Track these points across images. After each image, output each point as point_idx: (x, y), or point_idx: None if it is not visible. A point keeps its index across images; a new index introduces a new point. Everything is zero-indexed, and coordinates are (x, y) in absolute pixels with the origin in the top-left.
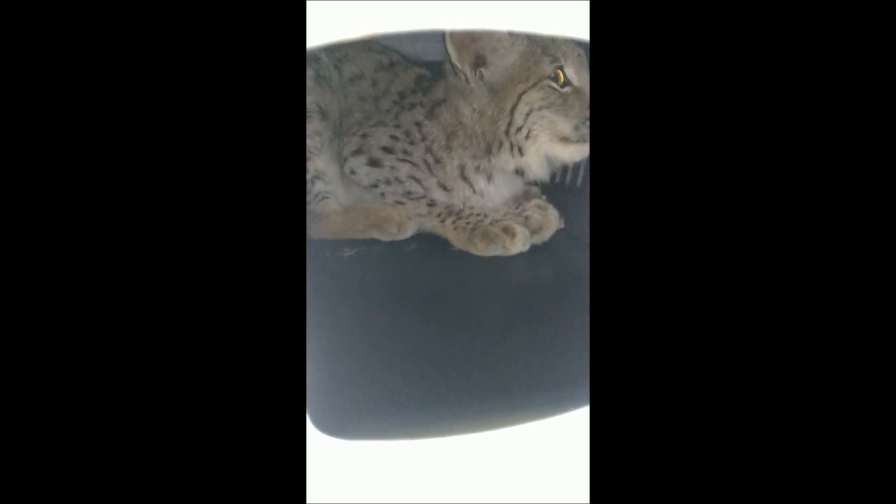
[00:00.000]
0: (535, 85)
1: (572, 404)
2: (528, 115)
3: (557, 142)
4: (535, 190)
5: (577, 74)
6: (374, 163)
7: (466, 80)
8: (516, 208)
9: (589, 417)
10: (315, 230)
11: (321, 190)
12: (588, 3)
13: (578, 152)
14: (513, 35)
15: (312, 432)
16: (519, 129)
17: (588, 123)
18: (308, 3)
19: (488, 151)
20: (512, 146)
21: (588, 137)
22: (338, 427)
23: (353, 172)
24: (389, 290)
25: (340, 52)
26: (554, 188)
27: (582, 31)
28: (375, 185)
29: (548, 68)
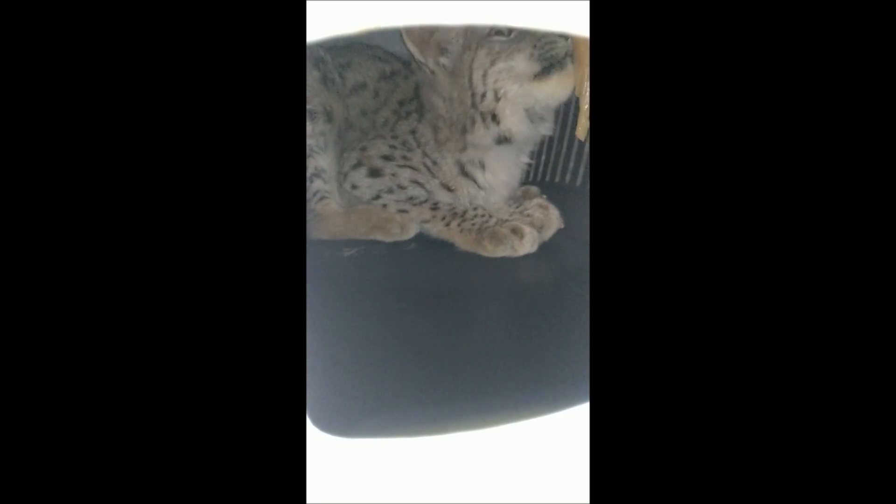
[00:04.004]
0: (477, 48)
1: (572, 401)
2: (484, 76)
3: (530, 82)
4: (535, 189)
5: None
6: (374, 173)
7: (432, 72)
8: (517, 207)
9: (589, 417)
10: (315, 231)
11: (320, 188)
12: (588, 3)
13: (558, 86)
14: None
15: (312, 431)
16: (484, 96)
17: (548, 46)
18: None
19: (463, 132)
20: (483, 117)
21: (561, 61)
22: (338, 425)
23: (354, 187)
24: (389, 289)
25: (344, 57)
26: (554, 188)
27: (582, 30)
28: (378, 197)
29: (483, 29)
